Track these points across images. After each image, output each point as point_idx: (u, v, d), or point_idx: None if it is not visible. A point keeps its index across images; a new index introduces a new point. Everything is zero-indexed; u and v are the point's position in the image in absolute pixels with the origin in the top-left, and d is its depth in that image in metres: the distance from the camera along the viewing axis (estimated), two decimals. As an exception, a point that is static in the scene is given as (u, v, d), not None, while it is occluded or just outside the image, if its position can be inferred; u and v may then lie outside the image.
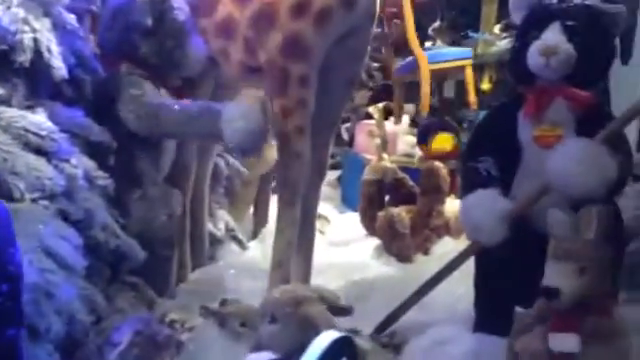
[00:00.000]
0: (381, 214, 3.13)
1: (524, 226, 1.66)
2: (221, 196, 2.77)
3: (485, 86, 4.56)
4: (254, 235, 3.12)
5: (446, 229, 3.16)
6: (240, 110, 1.75)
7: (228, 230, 2.72)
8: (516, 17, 1.94)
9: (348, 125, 5.68)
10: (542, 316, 1.46)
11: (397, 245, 2.99)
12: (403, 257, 2.96)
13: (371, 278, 2.72)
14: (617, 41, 3.18)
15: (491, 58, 4.43)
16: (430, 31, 8.78)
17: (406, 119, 4.38)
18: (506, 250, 1.77)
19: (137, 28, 1.80)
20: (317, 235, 3.26)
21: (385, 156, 3.56)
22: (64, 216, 1.39)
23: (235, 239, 2.75)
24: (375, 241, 3.19)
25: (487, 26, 5.61)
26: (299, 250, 2.12)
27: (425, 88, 4.06)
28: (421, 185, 3.18)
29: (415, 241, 3.05)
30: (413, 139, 4.27)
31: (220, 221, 2.69)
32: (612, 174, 1.58)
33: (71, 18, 1.57)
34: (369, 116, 4.95)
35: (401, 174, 3.49)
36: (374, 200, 3.39)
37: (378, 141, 3.62)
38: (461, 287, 2.04)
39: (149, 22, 1.80)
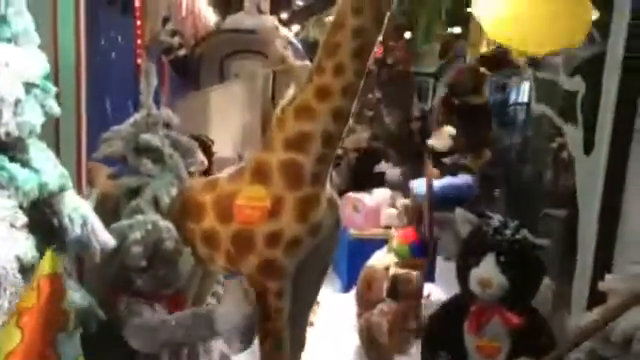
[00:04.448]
0: (362, 320, 3.46)
1: None
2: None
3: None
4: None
5: (423, 330, 3.49)
6: (231, 313, 2.03)
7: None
8: (462, 231, 2.22)
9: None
10: None
11: (376, 352, 3.33)
12: (381, 364, 3.30)
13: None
14: (581, 132, 3.38)
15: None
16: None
17: (387, 192, 4.63)
18: None
19: (132, 268, 2.07)
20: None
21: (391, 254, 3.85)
22: None
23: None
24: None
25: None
26: None
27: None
28: (399, 291, 3.49)
29: (393, 342, 3.39)
30: (395, 212, 4.56)
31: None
32: None
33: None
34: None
35: (402, 271, 3.70)
36: (372, 286, 3.69)
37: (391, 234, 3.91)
38: None
39: (144, 263, 2.06)
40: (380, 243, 4.06)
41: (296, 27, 13.27)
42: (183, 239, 2.26)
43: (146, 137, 2.60)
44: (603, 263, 2.81)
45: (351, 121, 2.21)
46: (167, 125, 2.82)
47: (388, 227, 4.47)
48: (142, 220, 2.12)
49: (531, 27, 2.31)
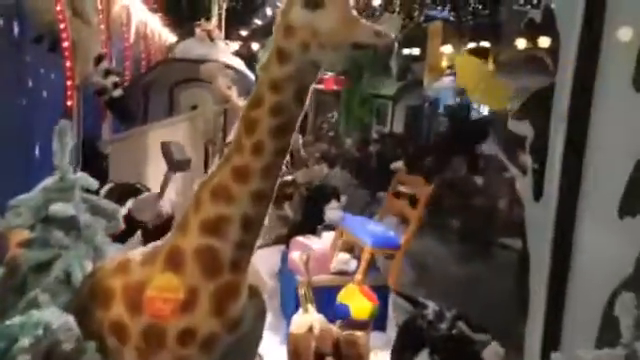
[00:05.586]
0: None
1: None
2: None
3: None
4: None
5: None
6: None
7: None
8: (397, 320, 2.05)
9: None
10: None
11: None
12: None
13: None
14: (529, 179, 3.24)
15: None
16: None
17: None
18: None
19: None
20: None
21: (310, 308, 3.65)
22: None
23: None
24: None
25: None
26: None
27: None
28: (343, 355, 3.31)
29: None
30: (346, 256, 4.39)
31: None
32: None
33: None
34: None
35: (327, 326, 3.57)
36: (301, 354, 3.51)
37: (302, 292, 3.70)
38: None
39: (37, 370, 1.83)
40: (329, 290, 3.88)
41: (256, 45, 13.16)
42: (90, 329, 2.03)
43: (57, 207, 2.35)
44: (555, 310, 2.72)
45: (302, 152, 2.03)
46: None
47: (341, 273, 4.31)
48: (35, 320, 1.87)
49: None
